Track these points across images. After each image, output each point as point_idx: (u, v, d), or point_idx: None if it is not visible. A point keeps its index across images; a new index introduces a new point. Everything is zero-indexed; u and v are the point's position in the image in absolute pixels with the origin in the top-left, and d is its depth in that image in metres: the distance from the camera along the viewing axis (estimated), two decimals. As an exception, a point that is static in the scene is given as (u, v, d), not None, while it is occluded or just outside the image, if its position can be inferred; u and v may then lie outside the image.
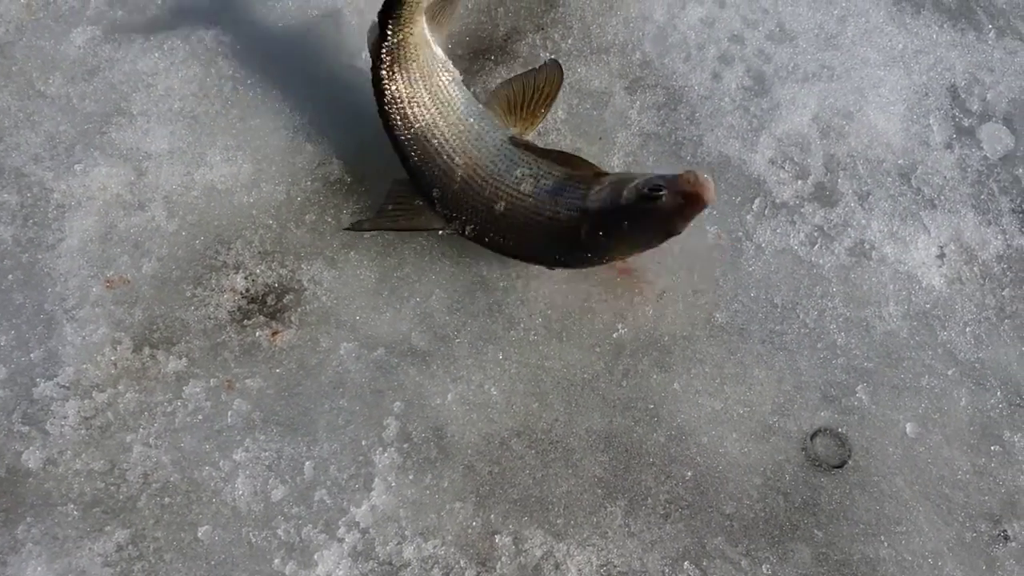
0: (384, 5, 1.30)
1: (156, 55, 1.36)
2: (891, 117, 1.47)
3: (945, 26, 1.60)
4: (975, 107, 1.53)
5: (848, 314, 1.30)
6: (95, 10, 1.38)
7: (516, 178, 1.30)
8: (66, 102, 1.29)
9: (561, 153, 1.33)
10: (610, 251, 1.25)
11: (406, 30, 1.29)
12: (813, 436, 1.17)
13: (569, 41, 1.52)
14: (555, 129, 1.38)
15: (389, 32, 1.29)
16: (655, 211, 1.17)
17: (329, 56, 1.40)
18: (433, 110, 1.31)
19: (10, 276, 1.16)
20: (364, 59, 1.37)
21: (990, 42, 1.61)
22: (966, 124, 1.51)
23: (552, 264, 1.30)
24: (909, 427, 1.20)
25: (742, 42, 1.53)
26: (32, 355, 1.12)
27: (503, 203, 1.29)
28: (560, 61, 1.39)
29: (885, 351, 1.29)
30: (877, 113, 1.47)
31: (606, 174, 1.28)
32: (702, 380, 1.21)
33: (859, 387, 1.23)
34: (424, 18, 1.28)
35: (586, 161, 1.31)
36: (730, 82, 1.49)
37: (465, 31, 1.50)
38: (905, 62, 1.54)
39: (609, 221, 1.22)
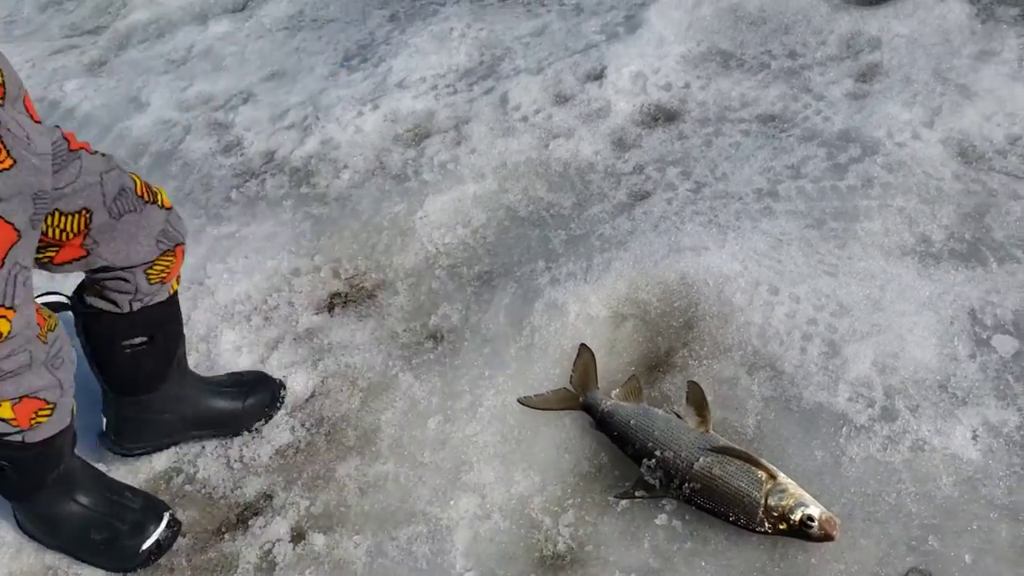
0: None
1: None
2: (927, 348, 2.03)
3: (960, 268, 2.17)
4: (989, 322, 2.04)
5: (915, 490, 1.80)
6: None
7: (708, 463, 1.83)
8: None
9: (740, 449, 1.84)
10: (775, 534, 1.76)
11: (609, 405, 2.05)
12: (907, 573, 1.70)
13: (704, 348, 2.14)
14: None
15: (595, 413, 2.06)
16: (806, 532, 1.73)
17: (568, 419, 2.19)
18: (641, 432, 1.93)
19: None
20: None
21: (994, 269, 2.14)
22: (984, 337, 2.02)
23: (734, 524, 1.80)
24: (967, 557, 1.69)
25: (815, 323, 2.12)
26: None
27: (698, 482, 1.82)
28: (697, 380, 2.02)
29: (945, 510, 1.76)
30: (915, 348, 2.03)
31: (775, 476, 1.78)
32: (832, 553, 1.74)
33: (930, 537, 1.72)
34: (619, 398, 2.05)
35: (759, 460, 1.81)
36: (812, 352, 2.07)
37: (640, 356, 2.20)
38: (932, 304, 2.11)
39: (775, 521, 1.74)
